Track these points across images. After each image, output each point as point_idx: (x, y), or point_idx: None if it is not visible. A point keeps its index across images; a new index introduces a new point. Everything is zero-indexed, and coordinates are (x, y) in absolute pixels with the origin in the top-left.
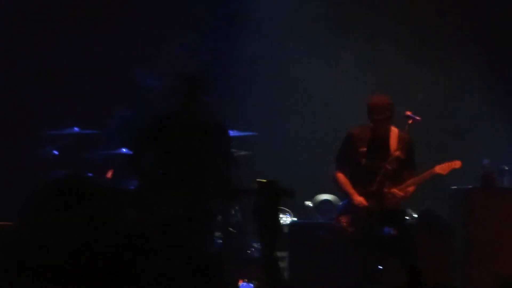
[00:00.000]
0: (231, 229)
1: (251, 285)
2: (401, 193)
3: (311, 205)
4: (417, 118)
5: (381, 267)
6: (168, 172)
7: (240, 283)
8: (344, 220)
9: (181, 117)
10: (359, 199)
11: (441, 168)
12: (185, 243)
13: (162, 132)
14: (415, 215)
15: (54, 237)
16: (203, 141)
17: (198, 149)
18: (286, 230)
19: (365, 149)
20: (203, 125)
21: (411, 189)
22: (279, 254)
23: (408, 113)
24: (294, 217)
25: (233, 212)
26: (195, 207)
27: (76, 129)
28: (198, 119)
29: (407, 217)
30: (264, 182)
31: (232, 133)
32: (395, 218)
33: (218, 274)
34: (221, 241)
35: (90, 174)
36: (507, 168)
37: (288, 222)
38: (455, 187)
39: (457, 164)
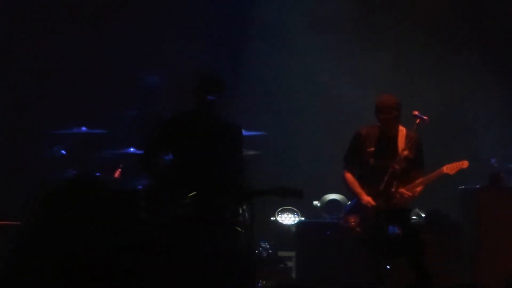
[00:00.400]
0: (238, 228)
1: (259, 284)
2: (409, 193)
3: (318, 204)
4: (425, 117)
5: (389, 267)
6: (181, 171)
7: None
8: (352, 220)
9: (196, 116)
10: (367, 198)
11: (449, 168)
12: (199, 244)
13: (178, 132)
14: (423, 215)
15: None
16: (219, 141)
17: (214, 149)
18: (293, 229)
19: (373, 148)
20: (218, 125)
21: (419, 189)
22: (287, 254)
23: (416, 112)
24: (302, 216)
25: (240, 212)
26: (207, 207)
27: (83, 128)
28: (213, 119)
29: (415, 217)
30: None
31: None
32: (402, 217)
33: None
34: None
35: (98, 174)
36: None
37: (296, 221)
38: (463, 186)
39: (464, 164)
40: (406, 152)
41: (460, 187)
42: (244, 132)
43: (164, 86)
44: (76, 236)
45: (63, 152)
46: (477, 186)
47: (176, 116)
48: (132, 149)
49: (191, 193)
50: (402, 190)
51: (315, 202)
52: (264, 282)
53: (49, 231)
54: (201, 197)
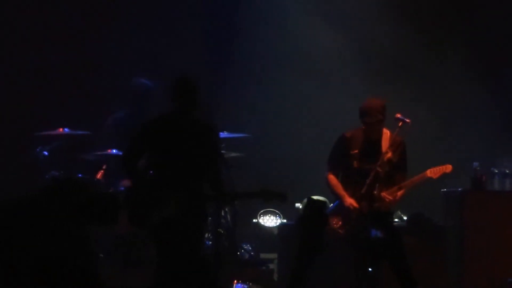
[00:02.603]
0: (220, 230)
1: (246, 286)
2: (390, 197)
3: (301, 207)
4: (407, 120)
5: (371, 269)
6: (163, 173)
7: (235, 284)
8: (334, 222)
9: (174, 118)
10: (350, 200)
11: (433, 172)
12: (179, 245)
13: (158, 134)
14: (405, 218)
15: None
16: (197, 142)
17: (192, 150)
18: (275, 232)
19: (357, 151)
20: (195, 126)
21: (400, 193)
22: (269, 256)
23: (398, 115)
24: (284, 219)
25: (223, 214)
26: (189, 209)
27: (66, 130)
28: (192, 120)
29: (397, 220)
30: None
31: (224, 134)
32: (384, 221)
33: (211, 277)
34: (210, 243)
35: (80, 175)
36: (497, 171)
37: (278, 224)
38: (446, 189)
39: (448, 168)
40: (389, 155)
41: (442, 190)
42: (228, 134)
43: (154, 88)
44: (56, 241)
45: (46, 153)
46: (460, 189)
47: (154, 118)
48: (115, 151)
49: (170, 195)
50: (383, 194)
51: (298, 204)
52: (250, 284)
53: (26, 235)
54: (181, 199)
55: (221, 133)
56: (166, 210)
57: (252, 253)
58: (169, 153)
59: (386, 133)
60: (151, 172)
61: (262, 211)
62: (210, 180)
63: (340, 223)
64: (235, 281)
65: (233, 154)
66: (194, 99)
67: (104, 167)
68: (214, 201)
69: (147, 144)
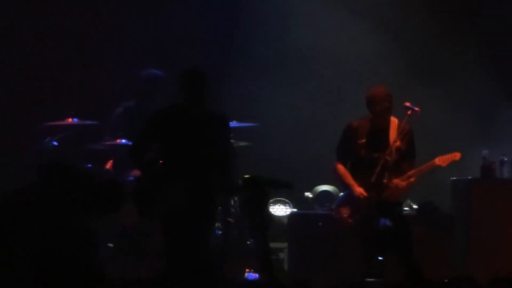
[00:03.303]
0: (230, 219)
1: (257, 275)
2: (403, 183)
3: (310, 196)
4: (416, 109)
5: (381, 259)
6: (171, 164)
7: (247, 273)
8: (344, 211)
9: (183, 109)
10: (359, 190)
11: (441, 160)
12: (187, 236)
13: (166, 124)
14: (415, 207)
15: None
16: (206, 133)
17: (201, 141)
18: (285, 221)
19: (364, 140)
20: (206, 117)
21: (412, 180)
22: (279, 245)
23: (407, 104)
24: (294, 208)
25: (232, 203)
26: (198, 199)
27: (75, 120)
28: (201, 111)
29: (406, 208)
30: (248, 177)
31: (231, 124)
32: (393, 211)
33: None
34: (220, 232)
35: (89, 165)
36: (506, 159)
37: (288, 213)
38: (455, 178)
39: (456, 156)
40: (397, 144)
41: (452, 178)
42: (236, 124)
43: (164, 78)
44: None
45: (55, 143)
46: (469, 177)
47: (163, 109)
48: (124, 141)
49: (179, 185)
50: (396, 180)
51: (307, 194)
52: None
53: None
54: (189, 190)
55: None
56: (174, 200)
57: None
58: (178, 143)
59: (394, 121)
60: (159, 162)
61: (272, 200)
62: (219, 171)
63: (349, 212)
64: (247, 270)
65: (241, 143)
66: (203, 89)
67: (113, 157)
68: (222, 190)
69: (155, 134)
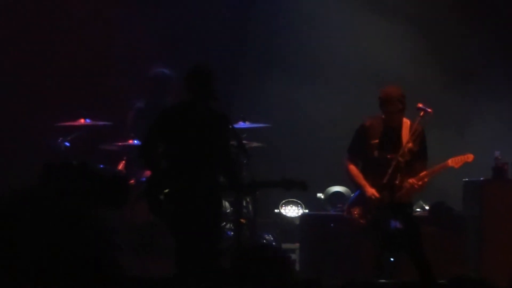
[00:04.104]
0: (242, 220)
1: None
2: (419, 183)
3: (322, 197)
4: (429, 110)
5: (393, 259)
6: (178, 163)
7: None
8: (355, 212)
9: (188, 108)
10: (371, 190)
11: (454, 161)
12: (196, 234)
13: (173, 124)
14: (427, 207)
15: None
16: (208, 132)
17: (203, 140)
18: (297, 222)
19: (377, 141)
20: (208, 116)
21: (425, 180)
22: (291, 246)
23: (420, 105)
24: (306, 209)
25: (244, 204)
26: (205, 198)
27: (87, 120)
28: (203, 110)
29: (419, 209)
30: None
31: (244, 124)
32: (404, 212)
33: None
34: (232, 233)
35: (102, 166)
36: None
37: (300, 214)
38: (467, 179)
39: (469, 157)
40: (410, 145)
41: (464, 179)
42: (249, 124)
43: (175, 78)
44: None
45: (67, 144)
46: (481, 178)
47: (170, 108)
48: (136, 141)
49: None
50: (412, 180)
51: (319, 194)
52: None
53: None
54: (196, 188)
55: (242, 123)
56: (182, 199)
57: (274, 243)
58: (184, 142)
59: (406, 122)
60: (168, 161)
61: (283, 201)
62: (224, 170)
63: (361, 213)
64: None
65: (254, 144)
66: (209, 88)
67: (125, 157)
68: (233, 190)
69: (163, 133)
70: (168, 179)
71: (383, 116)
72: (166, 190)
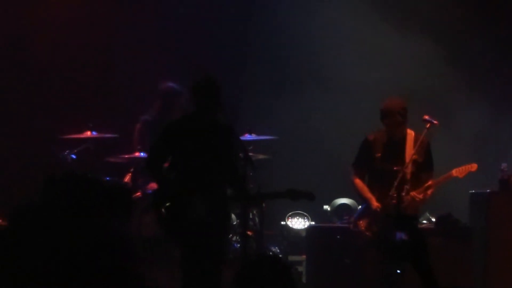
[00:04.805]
0: (249, 232)
1: None
2: (420, 196)
3: (329, 209)
4: (435, 122)
5: (399, 272)
6: (185, 175)
7: None
8: (362, 224)
9: (194, 120)
10: (376, 204)
11: (458, 171)
12: (203, 247)
13: (179, 136)
14: (433, 219)
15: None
16: (217, 144)
17: (212, 152)
18: (303, 234)
19: (380, 154)
20: (214, 128)
21: (429, 192)
22: (297, 258)
23: (426, 117)
24: (312, 221)
25: (250, 216)
26: (213, 211)
27: (94, 133)
28: (209, 122)
29: (425, 221)
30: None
31: (251, 137)
32: (409, 224)
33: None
34: (238, 245)
35: (108, 178)
36: None
37: (306, 226)
38: (473, 191)
39: (473, 167)
40: (415, 157)
41: (470, 191)
42: (255, 137)
43: (183, 92)
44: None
45: (74, 156)
46: (488, 190)
47: (176, 121)
48: (142, 154)
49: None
50: (413, 193)
51: (325, 207)
52: None
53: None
54: (204, 201)
55: (248, 135)
56: (190, 212)
57: (280, 256)
58: (191, 155)
59: (411, 133)
60: (174, 174)
61: (290, 213)
62: (232, 182)
63: (367, 225)
64: None
65: (260, 156)
66: (216, 100)
67: (131, 170)
68: (240, 202)
69: (170, 146)
70: (175, 191)
71: (385, 129)
72: (172, 203)
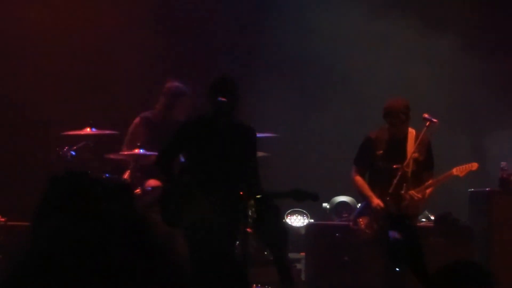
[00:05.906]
0: (248, 229)
1: None
2: (419, 195)
3: (328, 206)
4: (434, 120)
5: (398, 270)
6: (200, 174)
7: None
8: (361, 222)
9: (210, 120)
10: (377, 201)
11: (459, 170)
12: (213, 246)
13: (196, 135)
14: (433, 218)
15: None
16: (232, 143)
17: (227, 152)
18: (302, 231)
19: (381, 151)
20: (232, 127)
21: (429, 191)
22: (296, 256)
23: (426, 115)
24: (311, 218)
25: (249, 213)
26: (225, 211)
27: (93, 129)
28: (227, 121)
29: (424, 220)
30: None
31: None
32: (403, 222)
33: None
34: (238, 242)
35: (107, 175)
36: None
37: (305, 223)
38: (473, 189)
39: (474, 166)
40: (415, 155)
41: (470, 190)
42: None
43: (188, 92)
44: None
45: (73, 153)
46: (487, 189)
47: (193, 120)
48: (141, 150)
49: (206, 196)
50: (412, 192)
51: (325, 204)
52: (270, 287)
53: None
54: (217, 201)
55: None
56: (201, 211)
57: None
58: (207, 154)
59: (412, 132)
60: (188, 172)
61: (289, 211)
62: (248, 182)
63: (367, 223)
64: (254, 285)
65: (260, 154)
66: (233, 100)
67: (130, 167)
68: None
69: (185, 145)
70: (187, 190)
71: (387, 127)
72: (184, 201)
